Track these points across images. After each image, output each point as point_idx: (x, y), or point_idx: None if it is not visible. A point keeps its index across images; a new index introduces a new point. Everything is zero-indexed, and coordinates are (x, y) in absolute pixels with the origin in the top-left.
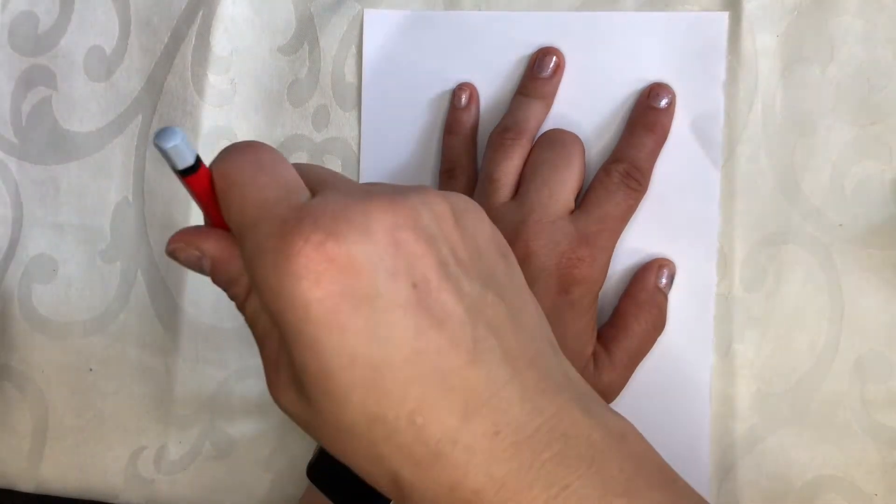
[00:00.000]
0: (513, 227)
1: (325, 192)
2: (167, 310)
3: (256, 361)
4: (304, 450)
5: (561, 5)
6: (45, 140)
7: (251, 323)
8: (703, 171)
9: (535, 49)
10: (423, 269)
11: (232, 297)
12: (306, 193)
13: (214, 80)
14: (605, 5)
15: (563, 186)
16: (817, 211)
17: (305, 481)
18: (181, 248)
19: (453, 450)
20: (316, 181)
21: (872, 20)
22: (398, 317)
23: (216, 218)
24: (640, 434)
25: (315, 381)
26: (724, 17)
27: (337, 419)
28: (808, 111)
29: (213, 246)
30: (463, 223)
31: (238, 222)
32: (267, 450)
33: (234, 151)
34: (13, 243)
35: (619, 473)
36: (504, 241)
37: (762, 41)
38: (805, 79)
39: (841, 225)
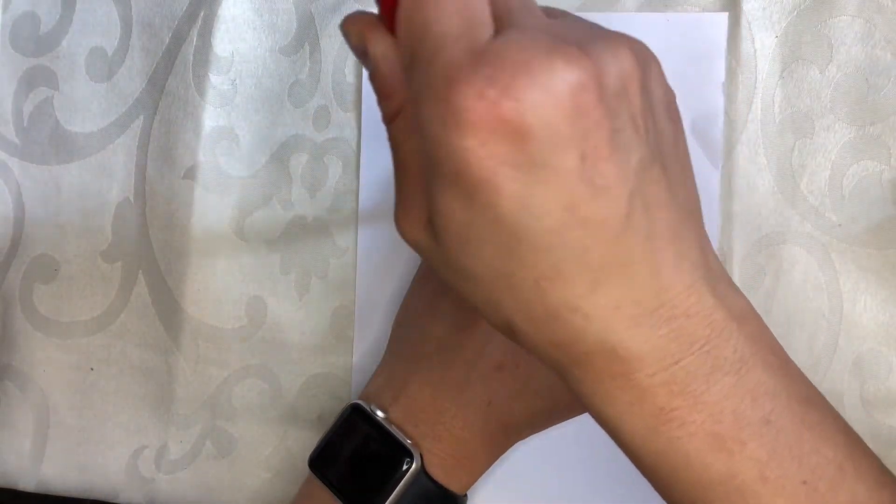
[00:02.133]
0: None
1: (509, 32)
2: (168, 310)
3: (257, 361)
4: (304, 450)
5: (561, 6)
6: (46, 140)
7: (393, 144)
8: (703, 170)
9: None
10: (597, 139)
11: (380, 108)
12: (490, 29)
13: (215, 80)
14: (605, 6)
15: None
16: (816, 211)
17: (304, 480)
18: (353, 33)
19: (571, 316)
20: (504, 9)
21: (871, 20)
22: (556, 188)
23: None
24: (758, 314)
25: (451, 231)
26: (724, 17)
27: (463, 265)
28: (806, 111)
29: (382, 51)
30: (646, 84)
31: (413, 49)
32: (267, 450)
33: None
34: (15, 243)
35: (731, 354)
36: (675, 103)
37: (761, 41)
38: (804, 79)
39: (840, 225)
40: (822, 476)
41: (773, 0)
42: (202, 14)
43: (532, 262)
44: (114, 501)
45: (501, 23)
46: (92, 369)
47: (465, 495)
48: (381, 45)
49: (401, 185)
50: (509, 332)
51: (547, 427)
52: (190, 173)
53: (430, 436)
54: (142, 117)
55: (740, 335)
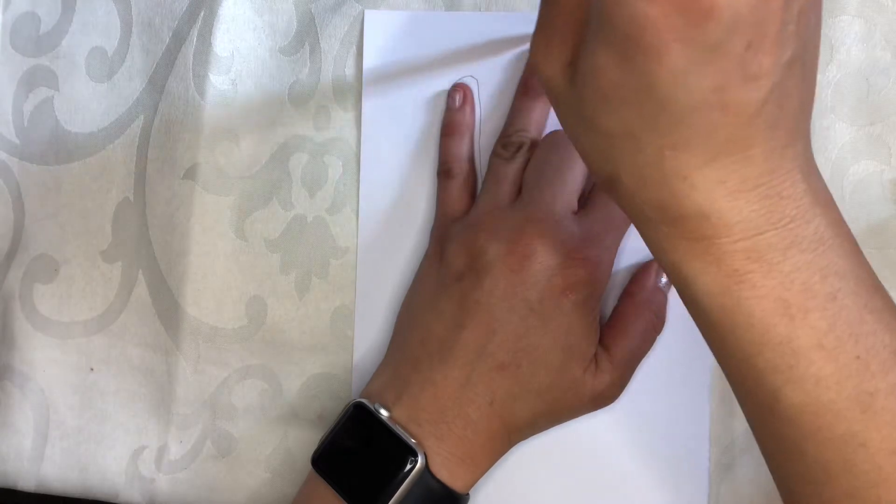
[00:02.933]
0: (517, 226)
1: None
2: (168, 309)
3: (257, 361)
4: (304, 450)
5: None
6: (46, 140)
7: None
8: None
9: None
10: (767, 28)
11: None
12: None
13: (216, 80)
14: None
15: (567, 187)
16: None
17: (305, 480)
18: None
19: (680, 183)
20: None
21: (872, 20)
22: (715, 69)
23: None
24: (837, 207)
25: (596, 85)
26: None
27: (593, 116)
28: None
29: None
30: None
31: None
32: (267, 450)
33: None
34: (15, 243)
35: (812, 234)
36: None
37: None
38: None
39: None
40: (875, 356)
41: None
42: (202, 14)
43: (664, 131)
44: (114, 501)
45: None
46: (92, 369)
47: (468, 494)
48: None
49: (547, 18)
50: (609, 183)
51: (548, 427)
52: (190, 173)
53: (433, 435)
54: (142, 117)
55: (822, 219)
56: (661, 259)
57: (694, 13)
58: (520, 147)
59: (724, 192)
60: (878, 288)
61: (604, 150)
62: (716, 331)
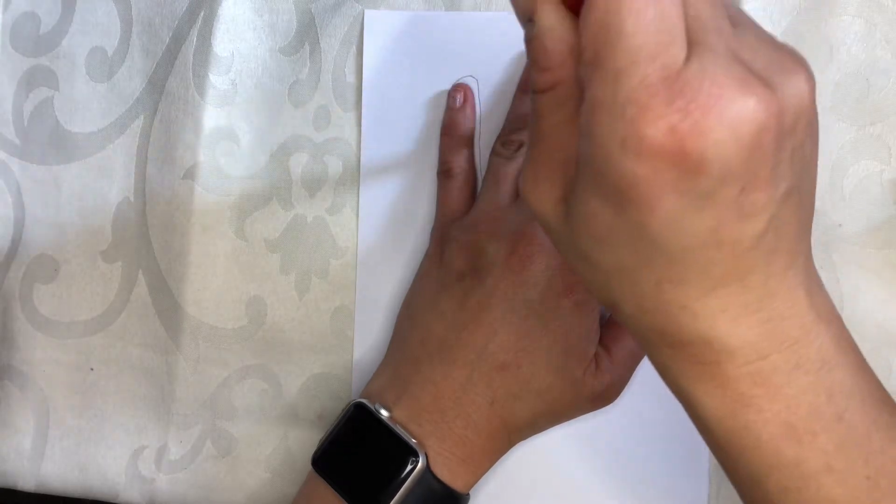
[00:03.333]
0: (518, 227)
1: (702, 57)
2: (168, 309)
3: (257, 361)
4: (304, 450)
5: None
6: (46, 140)
7: (537, 113)
8: None
9: None
10: (759, 171)
11: (533, 75)
12: (684, 49)
13: (216, 80)
14: None
15: None
16: (816, 210)
17: (305, 480)
18: None
19: (680, 312)
20: (696, 24)
21: (872, 20)
22: (709, 213)
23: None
24: (841, 319)
25: (588, 226)
26: None
27: (586, 251)
28: None
29: (551, 24)
30: (812, 119)
31: (599, 51)
32: (267, 450)
33: None
34: (15, 243)
35: (815, 354)
36: (816, 121)
37: None
38: None
39: (840, 225)
40: (885, 475)
41: (773, 0)
42: (202, 14)
43: (660, 268)
44: (114, 501)
45: (693, 39)
46: (92, 369)
47: (468, 494)
48: (552, 17)
49: (535, 154)
50: (611, 307)
51: (548, 427)
52: (190, 173)
53: (433, 435)
54: (142, 117)
55: (826, 337)
56: (666, 379)
57: (683, 168)
58: (520, 146)
59: (725, 318)
60: (885, 401)
61: (602, 282)
62: (724, 451)
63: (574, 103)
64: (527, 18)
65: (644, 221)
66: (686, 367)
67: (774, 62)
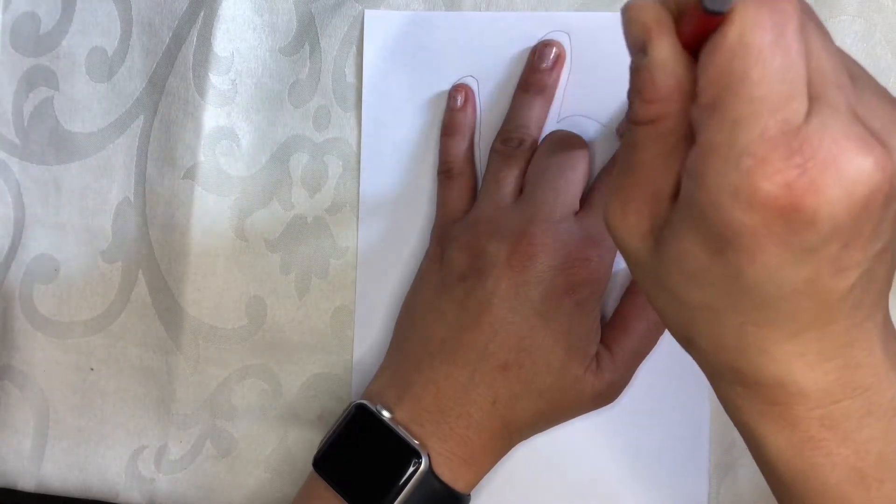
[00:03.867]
0: (519, 227)
1: (823, 114)
2: (168, 309)
3: (257, 361)
4: (304, 450)
5: (561, 5)
6: (46, 140)
7: (632, 143)
8: None
9: None
10: (862, 229)
11: (633, 104)
12: (805, 104)
13: (216, 80)
14: (605, 5)
15: (569, 188)
16: None
17: (304, 481)
18: (637, 24)
19: (758, 354)
20: (819, 78)
21: (872, 20)
22: (807, 266)
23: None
24: None
25: (681, 265)
26: None
27: (672, 287)
28: None
29: (664, 57)
30: None
31: (719, 96)
32: (267, 450)
33: (769, 11)
34: (15, 243)
35: (888, 402)
36: None
37: None
38: None
39: None
40: None
41: None
42: (202, 14)
43: (747, 311)
44: (114, 501)
45: (814, 93)
46: (92, 369)
47: (469, 495)
48: (666, 51)
49: (625, 184)
50: (683, 342)
51: (550, 427)
52: (190, 173)
53: (435, 435)
54: (142, 117)
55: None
56: (732, 415)
57: (793, 223)
58: (520, 143)
59: (802, 363)
60: None
61: (682, 316)
62: (788, 492)
63: (674, 139)
64: (639, 48)
65: (742, 267)
66: (756, 406)
67: (891, 122)
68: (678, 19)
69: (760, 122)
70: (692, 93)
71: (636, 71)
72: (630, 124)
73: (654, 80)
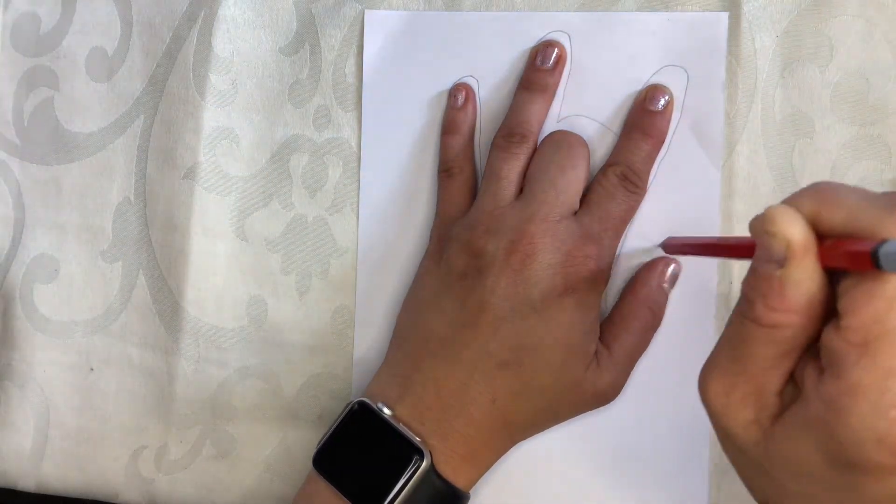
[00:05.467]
0: (519, 226)
1: None
2: (168, 309)
3: (257, 361)
4: (304, 450)
5: (561, 5)
6: (46, 140)
7: (752, 340)
8: (703, 170)
9: None
10: None
11: (759, 308)
12: None
13: (216, 80)
14: (605, 5)
15: (569, 187)
16: None
17: (306, 480)
18: (779, 237)
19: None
20: None
21: (872, 20)
22: None
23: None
24: None
25: (788, 465)
26: (724, 17)
27: (774, 475)
28: (807, 111)
29: (801, 278)
30: None
31: (869, 343)
32: (267, 450)
33: None
34: (15, 243)
35: None
36: None
37: (762, 41)
38: (804, 79)
39: None
40: None
41: (773, 0)
42: (202, 14)
43: (843, 501)
44: (114, 501)
45: None
46: (92, 369)
47: (469, 493)
48: (805, 273)
49: (730, 370)
50: None
51: (550, 425)
52: (190, 173)
53: (436, 433)
54: (142, 117)
55: None
56: None
57: None
58: (522, 139)
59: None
60: None
61: (773, 495)
62: None
63: (790, 345)
64: (774, 259)
65: (864, 485)
66: None
67: None
68: (820, 240)
69: None
70: (820, 309)
71: (764, 277)
72: (742, 318)
73: (785, 294)
